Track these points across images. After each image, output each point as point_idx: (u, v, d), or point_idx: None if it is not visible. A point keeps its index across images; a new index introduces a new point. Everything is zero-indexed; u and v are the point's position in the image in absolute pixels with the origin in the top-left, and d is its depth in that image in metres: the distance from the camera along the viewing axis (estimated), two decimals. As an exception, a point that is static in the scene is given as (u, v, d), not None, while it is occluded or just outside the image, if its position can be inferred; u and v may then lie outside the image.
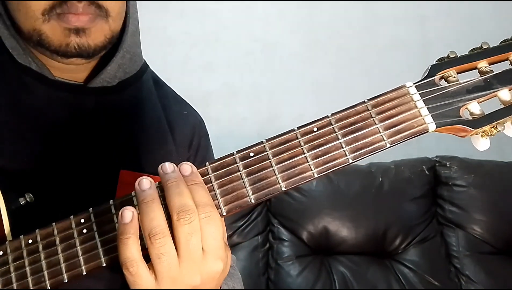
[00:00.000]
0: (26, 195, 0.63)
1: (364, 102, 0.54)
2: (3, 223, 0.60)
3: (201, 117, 0.87)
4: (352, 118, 0.54)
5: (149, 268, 0.50)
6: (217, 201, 0.53)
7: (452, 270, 1.65)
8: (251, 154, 0.54)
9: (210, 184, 0.53)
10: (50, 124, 0.69)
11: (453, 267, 1.65)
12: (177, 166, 0.53)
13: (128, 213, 0.50)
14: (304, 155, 0.53)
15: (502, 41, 0.54)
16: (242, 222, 1.70)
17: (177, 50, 1.97)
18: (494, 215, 1.68)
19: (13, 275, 0.56)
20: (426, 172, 1.75)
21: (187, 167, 0.52)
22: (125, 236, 0.49)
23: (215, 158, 0.55)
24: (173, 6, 1.95)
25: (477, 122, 0.53)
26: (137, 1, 0.77)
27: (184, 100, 0.87)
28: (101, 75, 0.72)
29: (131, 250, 0.49)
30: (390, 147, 0.53)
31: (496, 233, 1.67)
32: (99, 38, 0.65)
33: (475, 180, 1.71)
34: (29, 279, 0.55)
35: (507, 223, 1.66)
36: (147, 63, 0.82)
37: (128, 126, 0.75)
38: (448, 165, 1.75)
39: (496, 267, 1.64)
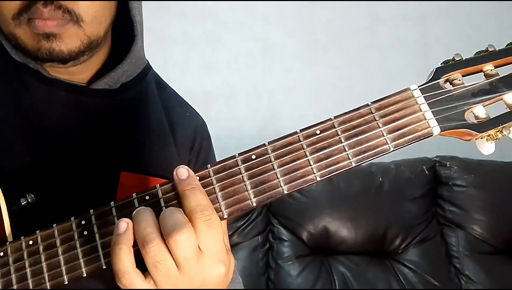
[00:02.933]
0: (27, 195, 0.63)
1: (367, 105, 0.54)
2: (4, 224, 0.59)
3: (203, 119, 0.86)
4: (356, 121, 0.53)
5: (146, 277, 0.49)
6: (218, 204, 0.53)
7: (452, 270, 1.65)
8: (253, 157, 0.53)
9: (212, 187, 0.53)
10: (51, 124, 0.69)
11: (453, 267, 1.65)
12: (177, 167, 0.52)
13: (123, 224, 0.49)
14: (306, 158, 0.53)
15: (508, 44, 0.54)
16: (242, 222, 1.70)
17: (177, 50, 1.97)
18: (494, 215, 1.67)
19: (13, 276, 0.56)
20: (426, 172, 1.74)
21: (183, 171, 0.51)
22: (117, 246, 0.48)
23: (217, 160, 0.54)
24: (173, 6, 1.95)
25: (482, 126, 0.52)
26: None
27: (187, 102, 0.86)
28: (104, 78, 0.71)
29: (123, 261, 0.48)
30: (393, 150, 0.52)
31: (496, 233, 1.67)
32: (73, 43, 0.63)
33: (475, 180, 1.71)
34: (30, 280, 0.55)
35: (507, 223, 1.66)
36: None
37: (129, 128, 0.74)
38: (448, 165, 1.75)
39: (496, 267, 1.63)
